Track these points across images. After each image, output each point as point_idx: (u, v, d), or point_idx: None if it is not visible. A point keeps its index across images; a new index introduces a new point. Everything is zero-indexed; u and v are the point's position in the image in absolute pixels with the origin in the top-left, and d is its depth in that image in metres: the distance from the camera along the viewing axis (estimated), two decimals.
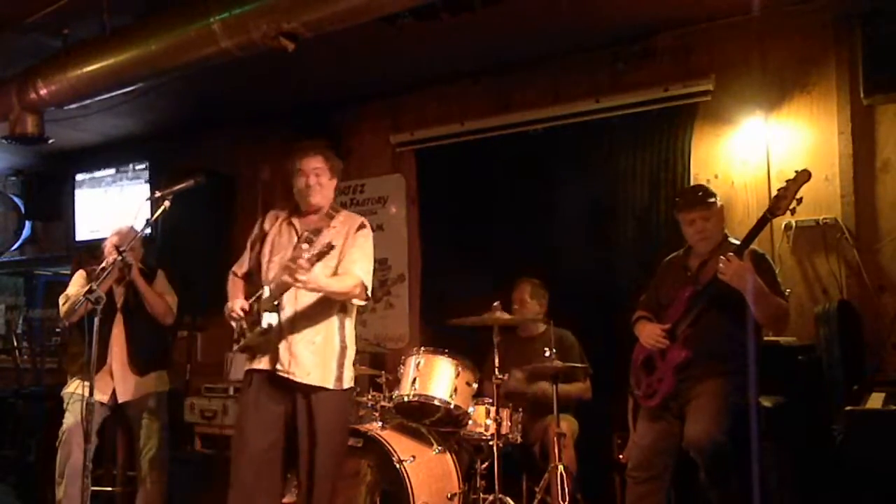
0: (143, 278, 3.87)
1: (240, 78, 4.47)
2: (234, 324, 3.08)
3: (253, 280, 3.17)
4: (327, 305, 3.01)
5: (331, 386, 2.98)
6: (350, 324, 3.12)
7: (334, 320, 3.04)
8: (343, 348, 3.05)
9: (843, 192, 3.75)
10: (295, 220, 3.16)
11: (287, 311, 2.97)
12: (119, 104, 4.76)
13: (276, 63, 3.67)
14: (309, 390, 2.96)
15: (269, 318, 2.91)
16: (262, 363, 3.01)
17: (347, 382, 3.05)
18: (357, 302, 3.07)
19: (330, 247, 2.76)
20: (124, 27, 3.66)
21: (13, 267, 7.46)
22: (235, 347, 3.10)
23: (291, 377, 2.95)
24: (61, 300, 3.88)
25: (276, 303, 2.93)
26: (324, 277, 2.91)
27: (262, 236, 3.19)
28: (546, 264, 4.30)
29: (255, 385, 3.03)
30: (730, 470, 2.90)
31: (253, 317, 2.99)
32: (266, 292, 2.96)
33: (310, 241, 2.96)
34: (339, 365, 3.02)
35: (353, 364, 3.15)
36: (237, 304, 3.04)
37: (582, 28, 4.10)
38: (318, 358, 2.97)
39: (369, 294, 3.07)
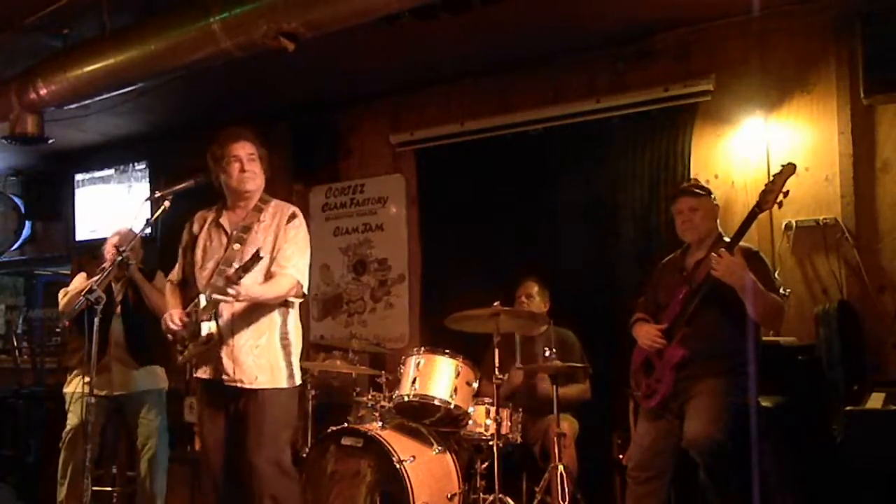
0: (142, 276, 3.88)
1: (240, 78, 4.47)
2: (170, 336, 2.97)
3: (189, 287, 3.05)
4: (266, 305, 2.91)
5: (284, 385, 2.92)
6: (293, 318, 3.02)
7: (276, 318, 2.94)
8: (287, 344, 2.96)
9: (843, 192, 3.74)
10: (223, 220, 3.01)
11: (225, 318, 2.87)
12: (119, 104, 4.76)
13: (276, 63, 3.66)
14: (258, 392, 2.87)
15: (207, 328, 2.83)
16: (207, 373, 2.93)
17: (298, 378, 3.00)
18: (293, 298, 2.97)
19: (257, 257, 2.65)
20: (124, 27, 3.66)
21: (13, 267, 7.46)
22: (179, 358, 2.98)
23: (239, 385, 2.86)
24: (61, 294, 3.90)
25: (213, 311, 2.84)
26: (256, 287, 2.80)
27: (192, 241, 3.07)
28: (546, 264, 4.30)
29: (203, 393, 2.98)
30: (730, 469, 2.90)
31: (192, 327, 2.89)
32: (202, 301, 2.84)
33: (241, 241, 2.89)
34: (288, 363, 2.95)
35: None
36: (174, 315, 2.93)
37: (582, 28, 4.10)
38: (263, 360, 2.89)
39: (305, 291, 2.98)
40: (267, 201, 3.04)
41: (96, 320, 2.80)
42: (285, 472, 2.93)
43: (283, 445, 2.97)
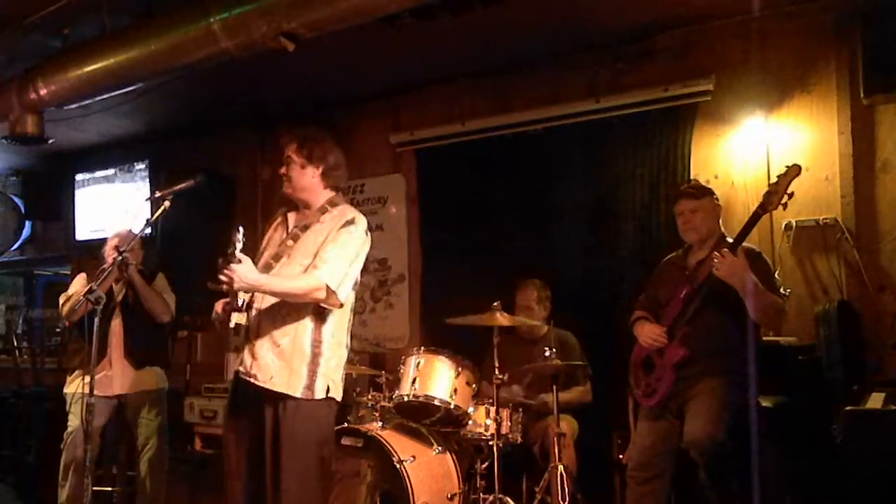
0: (140, 277, 3.88)
1: (240, 78, 4.47)
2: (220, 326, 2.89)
3: None
4: (296, 306, 2.72)
5: (298, 394, 2.67)
6: (331, 328, 2.78)
7: (306, 323, 2.73)
8: (316, 354, 2.72)
9: (843, 192, 3.75)
10: (290, 216, 2.93)
11: (254, 311, 2.75)
12: (119, 104, 4.75)
13: (277, 63, 3.66)
14: (275, 398, 2.68)
15: (235, 319, 2.73)
16: (235, 365, 2.84)
17: (322, 392, 2.71)
18: (325, 305, 2.72)
19: (239, 234, 2.52)
20: (124, 27, 3.66)
21: (13, 267, 7.47)
22: (233, 350, 2.93)
23: (253, 381, 2.70)
24: (61, 299, 3.90)
25: (243, 302, 2.73)
26: (259, 276, 2.61)
27: (265, 235, 3.05)
28: (546, 264, 4.30)
29: (233, 389, 2.87)
30: (730, 470, 2.90)
31: (223, 317, 2.80)
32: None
33: (295, 238, 2.82)
34: (311, 372, 2.70)
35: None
36: (218, 304, 2.84)
37: (582, 28, 4.10)
38: (282, 362, 2.69)
39: (342, 299, 2.71)
40: (335, 204, 2.88)
41: (96, 321, 2.80)
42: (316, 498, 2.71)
43: (310, 465, 2.69)
